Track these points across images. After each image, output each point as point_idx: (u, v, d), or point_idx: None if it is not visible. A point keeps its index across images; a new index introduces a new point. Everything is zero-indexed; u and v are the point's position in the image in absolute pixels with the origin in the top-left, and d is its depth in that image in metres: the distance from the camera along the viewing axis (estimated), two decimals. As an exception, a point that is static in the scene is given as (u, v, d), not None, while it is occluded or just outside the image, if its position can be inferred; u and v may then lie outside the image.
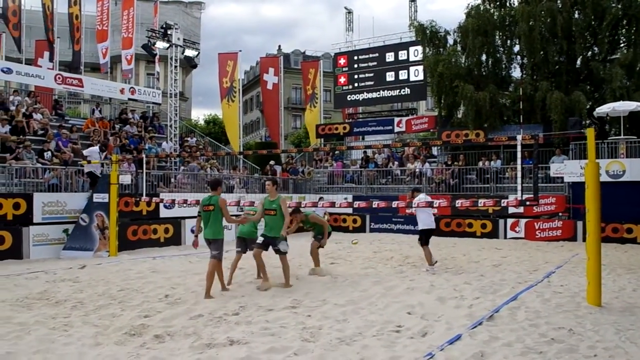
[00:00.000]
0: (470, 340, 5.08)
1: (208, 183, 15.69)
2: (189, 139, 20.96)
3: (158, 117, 21.44)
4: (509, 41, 20.49)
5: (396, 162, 20.83)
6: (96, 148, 14.01)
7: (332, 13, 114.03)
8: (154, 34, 19.84)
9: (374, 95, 24.32)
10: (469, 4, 20.85)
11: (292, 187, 20.21)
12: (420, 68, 22.58)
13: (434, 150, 21.75)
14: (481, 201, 8.23)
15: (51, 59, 21.14)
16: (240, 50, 23.08)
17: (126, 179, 13.06)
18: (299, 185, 20.66)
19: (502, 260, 11.02)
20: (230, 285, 7.85)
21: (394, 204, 8.82)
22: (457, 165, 18.33)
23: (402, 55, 23.33)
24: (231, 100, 23.10)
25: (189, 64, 24.74)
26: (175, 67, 20.10)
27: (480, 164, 18.19)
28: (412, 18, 26.36)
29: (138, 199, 12.66)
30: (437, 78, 20.13)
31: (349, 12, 29.48)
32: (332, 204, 10.97)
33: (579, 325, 5.62)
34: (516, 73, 21.30)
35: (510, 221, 15.81)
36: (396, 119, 23.41)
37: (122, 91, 19.26)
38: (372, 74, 24.18)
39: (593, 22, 18.63)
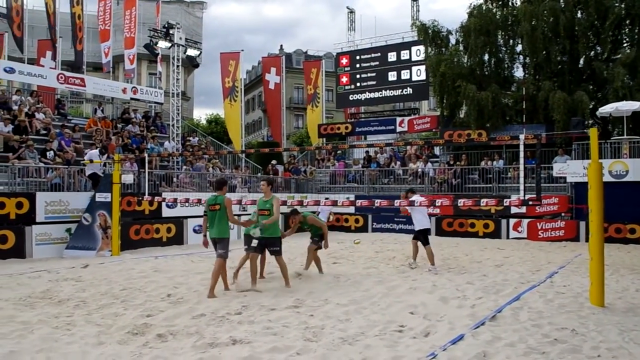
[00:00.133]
0: (473, 341, 5.06)
1: (212, 183, 15.77)
2: (191, 138, 21.00)
3: (160, 117, 21.47)
4: (511, 41, 20.46)
5: (398, 162, 20.82)
6: (96, 151, 13.95)
7: (334, 13, 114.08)
8: (156, 34, 19.88)
9: (376, 95, 24.32)
10: (471, 4, 20.88)
11: (294, 187, 20.22)
12: (423, 68, 22.58)
13: (436, 150, 21.74)
14: (483, 201, 8.20)
15: (53, 59, 21.19)
16: (242, 50, 23.09)
17: (128, 178, 13.07)
18: (301, 184, 20.67)
19: (505, 261, 11.00)
20: (236, 279, 7.93)
21: (397, 202, 8.79)
22: (459, 165, 18.30)
23: (405, 55, 23.34)
24: (233, 99, 23.11)
25: (191, 64, 24.79)
26: (177, 66, 20.11)
27: (483, 163, 18.15)
28: (414, 18, 26.30)
29: (140, 199, 12.65)
30: (439, 78, 20.13)
31: (351, 11, 29.47)
32: (334, 203, 10.98)
33: (582, 325, 5.60)
34: (519, 73, 21.34)
35: (512, 221, 15.78)
36: (398, 119, 23.44)
37: (124, 91, 19.29)
38: (374, 74, 24.19)
39: (596, 22, 18.58)
